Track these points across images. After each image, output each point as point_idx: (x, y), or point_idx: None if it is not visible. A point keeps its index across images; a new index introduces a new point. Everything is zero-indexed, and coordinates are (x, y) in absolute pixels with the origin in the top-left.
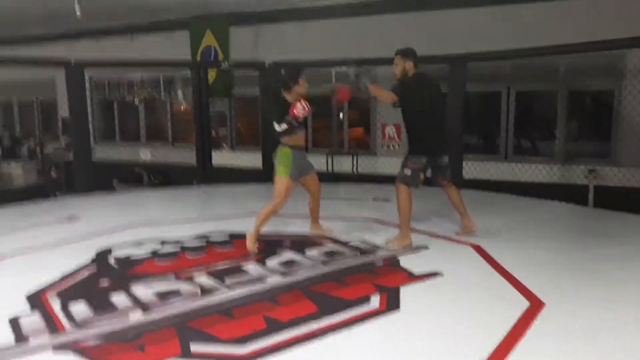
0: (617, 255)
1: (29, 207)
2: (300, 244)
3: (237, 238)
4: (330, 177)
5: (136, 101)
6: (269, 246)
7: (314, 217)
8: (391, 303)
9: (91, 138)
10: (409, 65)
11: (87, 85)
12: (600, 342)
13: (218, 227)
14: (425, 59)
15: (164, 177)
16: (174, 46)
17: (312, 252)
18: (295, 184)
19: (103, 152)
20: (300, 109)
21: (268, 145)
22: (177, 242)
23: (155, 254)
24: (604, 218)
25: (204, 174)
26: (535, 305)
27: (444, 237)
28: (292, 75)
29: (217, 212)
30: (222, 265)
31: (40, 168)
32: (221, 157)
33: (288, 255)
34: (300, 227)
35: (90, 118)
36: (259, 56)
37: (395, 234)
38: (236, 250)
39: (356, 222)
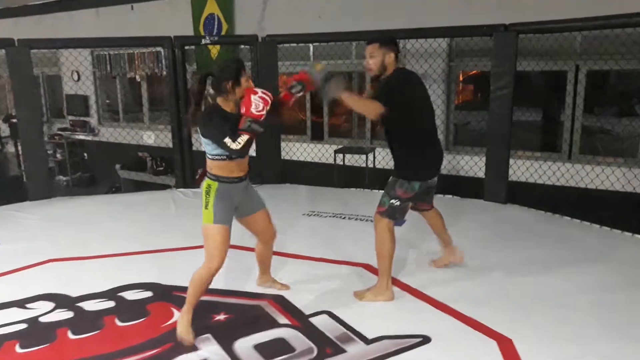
0: None
1: None
2: (236, 320)
3: (159, 299)
4: (340, 174)
5: (137, 78)
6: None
7: (264, 268)
8: None
9: (95, 118)
10: (390, 58)
11: (89, 61)
12: None
13: (153, 268)
14: (462, 30)
15: (167, 164)
16: (176, 15)
17: (244, 345)
18: (228, 225)
19: (107, 134)
20: (257, 102)
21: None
22: (74, 302)
23: (30, 327)
24: None
25: (182, 175)
26: None
27: (440, 306)
28: (229, 74)
29: (168, 239)
30: None
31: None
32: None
33: (207, 350)
34: (248, 276)
35: (94, 97)
36: (266, 26)
37: None
38: (145, 326)
39: (340, 272)
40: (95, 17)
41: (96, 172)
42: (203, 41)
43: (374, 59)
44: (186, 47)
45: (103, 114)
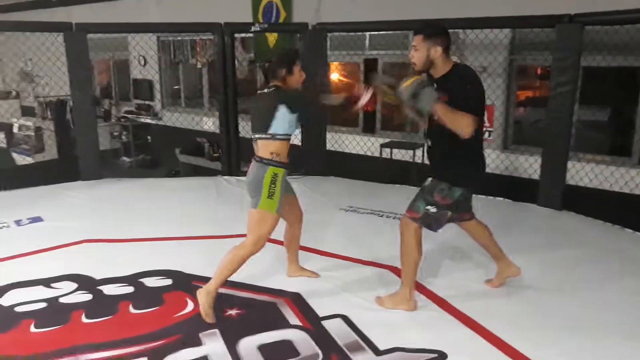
0: None
1: (23, 192)
2: (247, 317)
3: (177, 288)
4: (389, 168)
5: (199, 64)
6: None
7: (292, 255)
8: None
9: (159, 103)
10: (436, 52)
11: (155, 46)
12: None
13: (180, 255)
14: (522, 21)
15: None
16: (237, 2)
17: (248, 344)
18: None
19: (170, 118)
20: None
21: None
22: (97, 284)
23: (49, 307)
24: None
25: (228, 162)
26: None
27: (466, 320)
28: (285, 63)
29: (203, 227)
30: (110, 352)
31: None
32: None
33: (210, 346)
34: (270, 270)
35: (159, 82)
36: (324, 14)
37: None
38: (156, 315)
39: (366, 273)
40: (158, 4)
41: (158, 155)
42: (252, 28)
43: (418, 53)
44: (244, 35)
45: (166, 99)
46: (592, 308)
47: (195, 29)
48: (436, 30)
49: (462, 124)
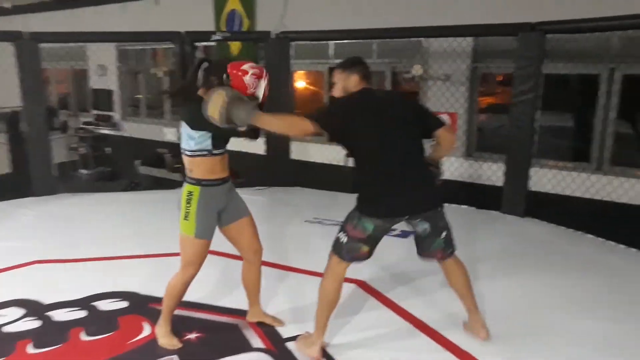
0: None
1: None
2: (207, 341)
3: (132, 311)
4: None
5: (159, 74)
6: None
7: (252, 296)
8: None
9: (118, 114)
10: (353, 80)
11: (114, 56)
12: None
13: (137, 275)
14: (485, 29)
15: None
16: (200, 11)
17: None
18: (210, 239)
19: (130, 129)
20: (251, 78)
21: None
22: (45, 310)
23: None
24: None
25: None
26: None
27: (438, 338)
28: (220, 71)
29: (161, 244)
30: None
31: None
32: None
33: None
34: (231, 287)
35: (118, 92)
36: (289, 23)
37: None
38: (110, 342)
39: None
40: (121, 12)
41: (118, 167)
42: (213, 37)
43: (336, 85)
44: (207, 44)
45: (127, 109)
46: (560, 318)
47: (155, 38)
48: (352, 61)
49: (283, 129)
